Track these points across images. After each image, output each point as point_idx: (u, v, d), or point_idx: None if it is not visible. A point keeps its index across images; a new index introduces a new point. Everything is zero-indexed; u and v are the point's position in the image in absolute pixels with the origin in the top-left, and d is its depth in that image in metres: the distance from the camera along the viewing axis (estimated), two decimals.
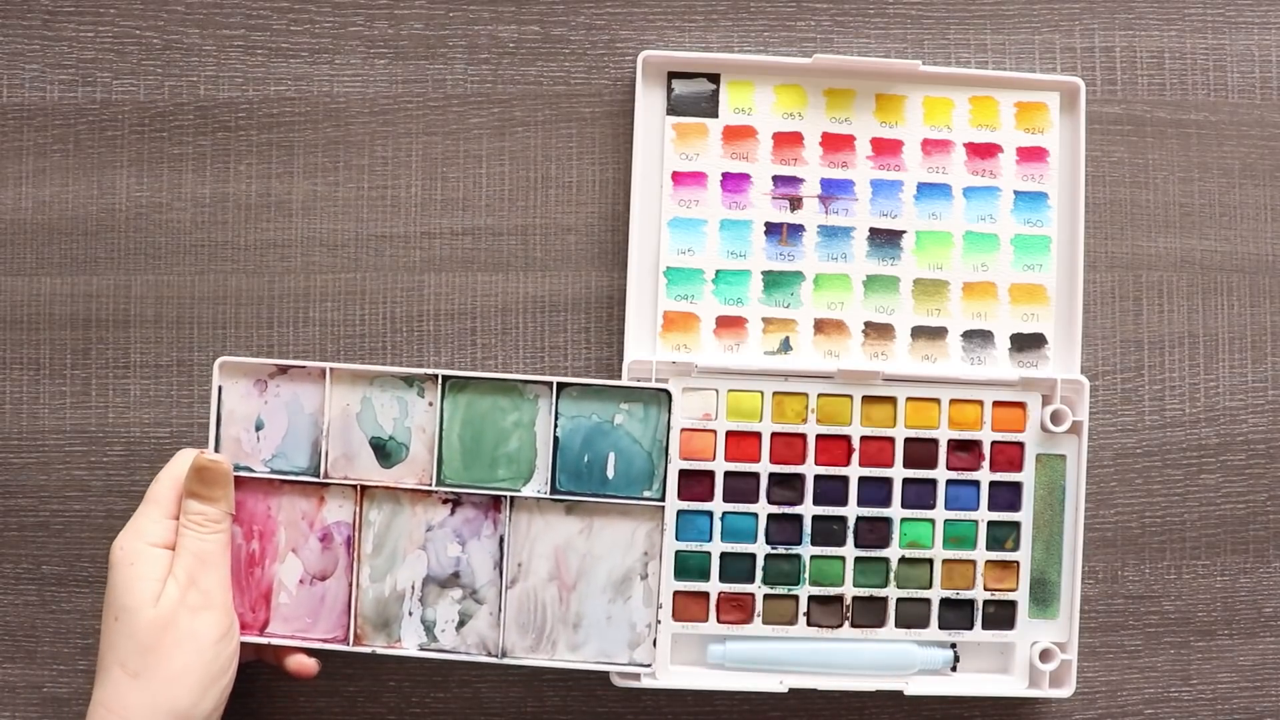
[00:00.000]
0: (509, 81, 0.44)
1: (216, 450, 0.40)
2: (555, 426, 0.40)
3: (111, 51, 0.44)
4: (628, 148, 0.44)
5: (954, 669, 0.43)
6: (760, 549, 0.42)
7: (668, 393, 0.41)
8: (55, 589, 0.44)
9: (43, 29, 0.44)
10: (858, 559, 0.43)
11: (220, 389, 0.40)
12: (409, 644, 0.40)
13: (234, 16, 0.44)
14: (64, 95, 0.44)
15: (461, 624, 0.40)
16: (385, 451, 0.40)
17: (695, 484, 0.42)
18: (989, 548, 0.43)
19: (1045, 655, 0.43)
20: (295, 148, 0.44)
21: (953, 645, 0.43)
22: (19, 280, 0.44)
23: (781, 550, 0.42)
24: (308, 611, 0.40)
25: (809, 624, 0.43)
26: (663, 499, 0.40)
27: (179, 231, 0.44)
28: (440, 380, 0.40)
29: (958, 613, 0.43)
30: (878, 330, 0.44)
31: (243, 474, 0.40)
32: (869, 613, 0.43)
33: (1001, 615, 0.43)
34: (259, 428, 0.40)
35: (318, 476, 0.40)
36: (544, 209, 0.44)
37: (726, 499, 0.42)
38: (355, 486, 0.40)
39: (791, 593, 0.42)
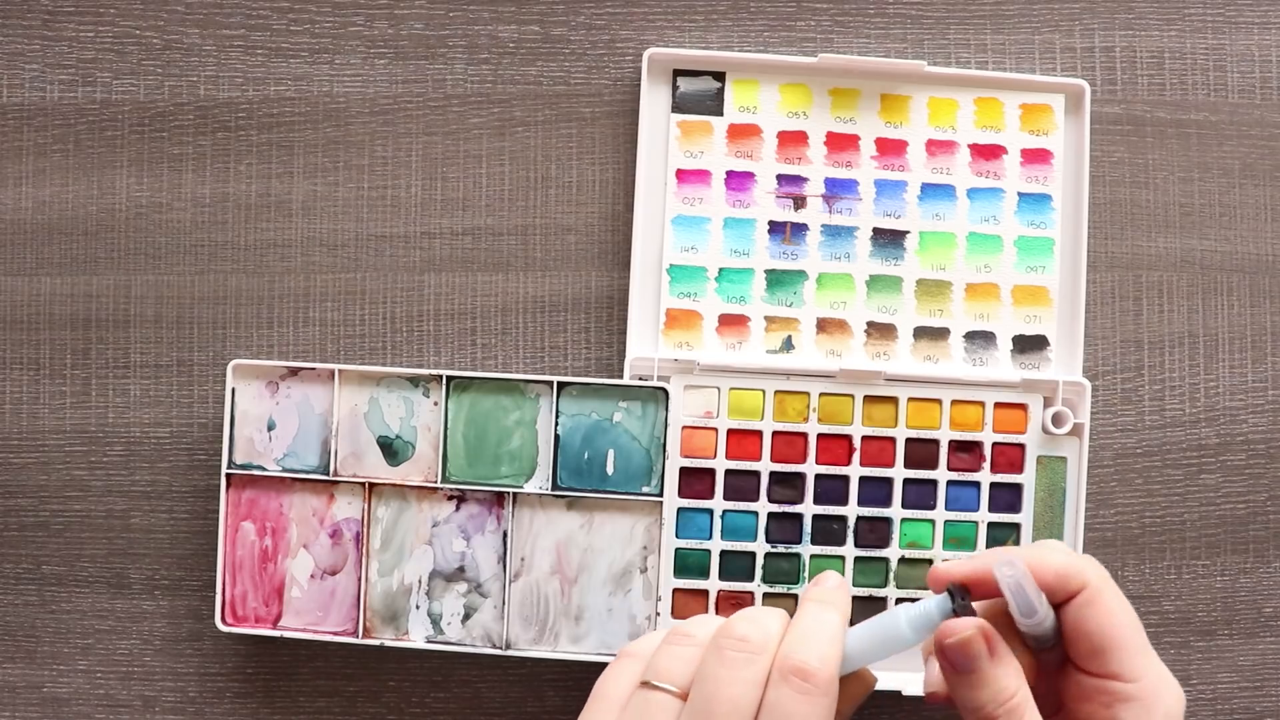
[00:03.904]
0: (509, 81, 0.53)
1: (231, 451, 0.49)
2: (556, 424, 0.49)
3: (111, 51, 0.53)
4: (628, 147, 0.52)
5: (956, 611, 0.36)
6: (760, 548, 0.51)
7: (665, 391, 0.49)
8: (55, 589, 0.52)
9: (43, 29, 0.52)
10: (857, 559, 0.51)
11: (234, 391, 0.49)
12: (416, 636, 0.49)
13: (234, 16, 0.53)
14: (64, 95, 0.53)
15: (467, 617, 0.49)
16: (392, 450, 0.49)
17: (696, 482, 0.51)
18: (989, 549, 0.52)
19: None
20: (295, 148, 0.53)
21: (951, 591, 0.35)
22: (19, 280, 0.52)
23: (781, 549, 0.51)
24: (319, 605, 0.49)
25: None
26: (660, 494, 0.49)
27: (179, 231, 0.53)
28: (445, 380, 0.49)
29: None
30: (880, 330, 0.52)
31: (255, 473, 0.49)
32: (868, 613, 0.51)
33: None
34: (271, 428, 0.49)
35: (328, 475, 0.49)
36: (544, 209, 0.53)
37: (727, 497, 0.51)
38: (364, 484, 0.49)
39: (791, 592, 0.51)
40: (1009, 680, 0.33)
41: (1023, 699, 0.34)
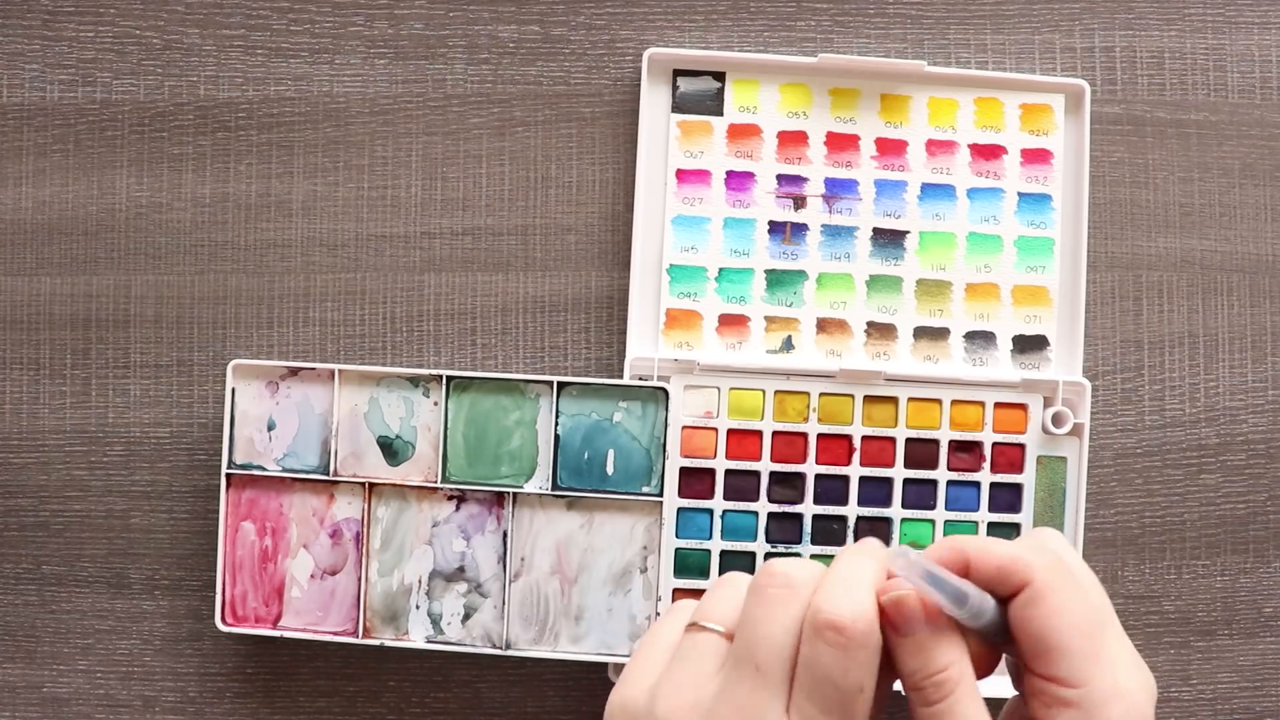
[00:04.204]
0: (509, 81, 0.53)
1: (231, 451, 0.49)
2: (556, 424, 0.49)
3: (111, 51, 0.53)
4: (628, 147, 0.53)
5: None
6: (760, 548, 0.51)
7: (665, 391, 0.50)
8: (55, 589, 0.52)
9: (43, 29, 0.53)
10: None
11: (234, 391, 0.50)
12: (416, 636, 0.49)
13: (234, 16, 0.53)
14: (64, 95, 0.53)
15: (467, 617, 0.49)
16: (392, 450, 0.50)
17: (696, 482, 0.51)
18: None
19: None
20: (295, 148, 0.53)
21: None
22: (19, 280, 0.53)
23: (781, 549, 0.51)
24: (319, 605, 0.49)
25: None
26: (660, 494, 0.49)
27: (179, 231, 0.53)
28: (445, 380, 0.49)
29: None
30: (880, 330, 0.53)
31: (256, 473, 0.49)
32: None
33: None
34: (271, 428, 0.49)
35: (328, 475, 0.49)
36: (544, 209, 0.53)
37: (727, 497, 0.51)
38: (364, 484, 0.49)
39: None
40: (942, 653, 0.32)
41: (955, 675, 0.32)
